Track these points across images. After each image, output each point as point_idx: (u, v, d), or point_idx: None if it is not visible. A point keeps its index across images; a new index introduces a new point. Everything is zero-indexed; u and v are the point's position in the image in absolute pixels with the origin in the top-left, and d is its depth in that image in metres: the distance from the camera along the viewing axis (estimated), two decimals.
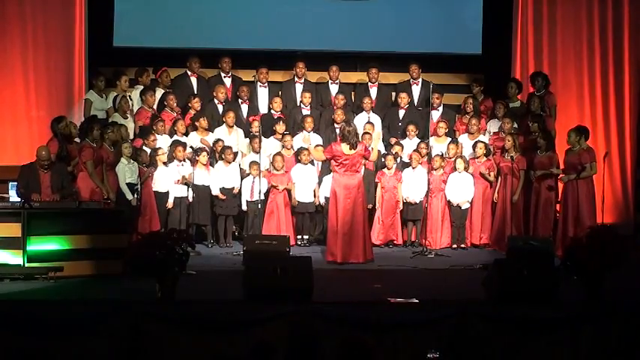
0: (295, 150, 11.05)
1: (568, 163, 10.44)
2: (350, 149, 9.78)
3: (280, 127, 11.12)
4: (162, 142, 10.79)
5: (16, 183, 9.43)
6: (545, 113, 11.25)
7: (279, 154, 10.90)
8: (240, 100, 11.54)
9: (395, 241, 10.94)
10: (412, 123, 11.37)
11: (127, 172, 10.15)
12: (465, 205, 10.96)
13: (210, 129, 11.12)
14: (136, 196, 9.95)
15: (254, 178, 10.61)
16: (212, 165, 10.85)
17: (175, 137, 10.89)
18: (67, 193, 9.40)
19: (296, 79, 11.85)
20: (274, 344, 5.81)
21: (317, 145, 10.92)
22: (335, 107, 11.40)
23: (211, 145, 10.96)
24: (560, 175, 10.57)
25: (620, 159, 12.24)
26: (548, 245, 9.56)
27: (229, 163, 10.79)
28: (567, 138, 10.48)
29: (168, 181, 10.54)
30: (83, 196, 9.57)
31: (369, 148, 10.08)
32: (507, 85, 11.66)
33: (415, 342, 6.99)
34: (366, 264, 9.71)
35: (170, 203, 10.54)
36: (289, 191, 10.88)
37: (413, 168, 10.98)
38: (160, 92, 11.44)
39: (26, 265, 8.55)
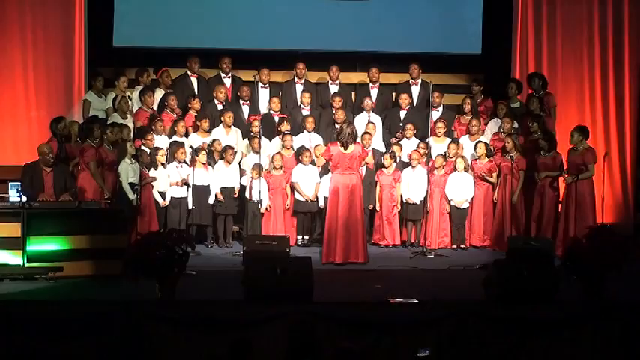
0: (295, 150, 11.06)
1: (571, 164, 10.44)
2: (341, 147, 9.78)
3: (285, 127, 11.11)
4: (161, 142, 10.79)
5: (17, 183, 9.41)
6: (544, 114, 11.25)
7: (278, 153, 10.90)
8: (241, 101, 11.54)
9: (393, 243, 10.90)
10: (410, 123, 11.37)
11: (129, 172, 10.16)
12: (464, 205, 10.96)
13: (210, 130, 11.12)
14: (136, 196, 9.95)
15: (252, 178, 10.60)
16: (210, 165, 10.84)
17: (175, 138, 10.90)
18: (73, 193, 9.41)
19: (296, 79, 11.85)
20: (250, 341, 5.82)
21: (317, 145, 10.97)
22: (335, 108, 11.40)
23: (208, 145, 10.94)
24: (565, 176, 10.54)
25: (620, 159, 12.24)
26: (548, 245, 9.57)
27: (230, 163, 10.79)
28: (570, 138, 10.48)
29: (167, 182, 10.54)
30: (87, 196, 9.59)
31: (367, 149, 10.13)
32: (507, 85, 11.66)
33: (415, 342, 6.98)
34: (364, 264, 9.71)
35: (166, 202, 10.53)
36: (291, 190, 10.89)
37: (413, 168, 10.98)
38: (159, 92, 11.44)
39: (26, 265, 8.56)
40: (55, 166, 9.50)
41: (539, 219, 10.62)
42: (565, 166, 10.58)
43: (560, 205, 10.71)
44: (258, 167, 10.52)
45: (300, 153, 10.95)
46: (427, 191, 10.69)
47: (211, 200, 10.74)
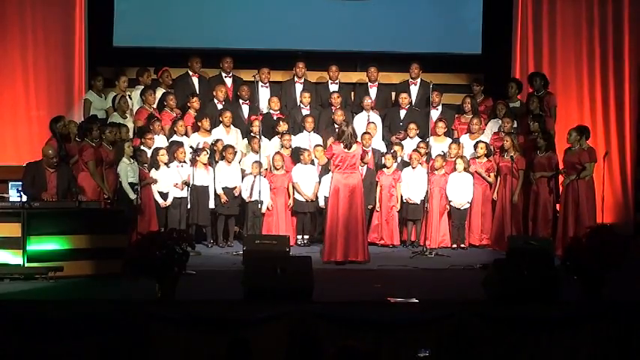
0: (293, 149, 11.05)
1: (567, 163, 10.46)
2: (344, 148, 9.79)
3: (282, 127, 11.12)
4: (160, 141, 10.79)
5: (18, 183, 9.39)
6: (544, 113, 11.26)
7: (278, 153, 10.90)
8: (241, 100, 11.55)
9: (391, 243, 10.91)
10: (413, 122, 11.38)
11: (129, 171, 10.17)
12: (465, 206, 10.97)
13: (210, 129, 11.12)
14: (137, 195, 9.95)
15: (254, 177, 10.60)
16: (211, 165, 10.84)
17: (175, 137, 10.90)
18: (74, 193, 9.39)
19: (296, 79, 11.86)
20: (249, 341, 5.82)
21: (317, 145, 10.99)
22: (334, 108, 11.40)
23: (210, 145, 10.94)
24: (561, 177, 10.56)
25: (620, 159, 12.24)
26: (548, 245, 9.57)
27: (230, 162, 10.79)
28: (567, 137, 10.50)
29: (169, 181, 10.55)
30: (86, 195, 9.57)
31: (367, 149, 10.17)
32: (507, 85, 11.67)
33: (415, 342, 6.98)
34: (364, 264, 9.71)
35: (166, 203, 10.53)
36: (293, 190, 10.90)
37: (413, 168, 10.99)
38: (161, 92, 11.44)
39: (26, 265, 8.54)
40: (59, 168, 9.47)
41: (534, 219, 10.64)
42: (561, 166, 10.60)
43: (558, 205, 10.72)
44: (258, 166, 10.51)
45: (297, 152, 10.95)
46: (427, 191, 10.70)
47: (212, 203, 10.72)
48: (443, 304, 7.52)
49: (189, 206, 10.62)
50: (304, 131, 11.30)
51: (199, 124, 11.09)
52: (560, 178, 10.69)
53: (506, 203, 10.76)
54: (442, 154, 11.04)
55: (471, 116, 11.42)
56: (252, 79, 11.31)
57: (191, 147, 10.72)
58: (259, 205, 10.42)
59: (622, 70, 12.30)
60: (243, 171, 10.93)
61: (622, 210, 12.15)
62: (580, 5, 12.34)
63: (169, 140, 10.95)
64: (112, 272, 8.43)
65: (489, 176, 10.98)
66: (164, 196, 10.53)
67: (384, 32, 12.30)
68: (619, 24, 12.31)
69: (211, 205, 10.76)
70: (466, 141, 11.32)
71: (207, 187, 10.71)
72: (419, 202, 10.91)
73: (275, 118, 11.40)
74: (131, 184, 10.12)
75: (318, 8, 12.22)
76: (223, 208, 10.80)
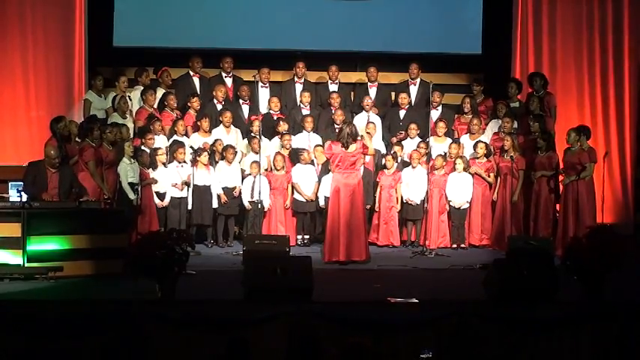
0: (292, 150, 11.04)
1: (567, 163, 10.47)
2: (342, 147, 9.78)
3: (282, 127, 11.12)
4: (160, 141, 10.79)
5: (18, 183, 9.39)
6: (545, 113, 11.26)
7: (279, 153, 10.90)
8: (241, 101, 11.55)
9: (391, 243, 10.91)
10: (413, 122, 11.37)
11: (129, 171, 10.17)
12: (464, 206, 10.97)
13: (210, 129, 11.12)
14: (137, 195, 9.95)
15: (254, 177, 10.60)
16: (211, 165, 10.84)
17: (175, 137, 10.90)
18: (76, 193, 9.38)
19: (296, 79, 11.85)
20: (248, 341, 5.82)
21: (317, 145, 10.98)
22: (333, 108, 11.40)
23: (210, 145, 10.94)
24: (561, 176, 10.57)
25: (620, 159, 12.25)
26: (548, 245, 9.57)
27: (230, 162, 10.79)
28: (567, 137, 10.50)
29: (167, 182, 10.55)
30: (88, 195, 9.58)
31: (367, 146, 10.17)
32: (507, 85, 11.67)
33: (415, 342, 6.98)
34: (365, 264, 9.71)
35: (165, 202, 10.52)
36: (292, 190, 10.90)
37: (413, 168, 10.99)
38: (161, 92, 11.44)
39: (26, 265, 8.53)
40: (60, 168, 9.46)
41: (535, 219, 10.64)
42: (561, 166, 10.60)
43: (558, 205, 10.72)
44: (257, 165, 10.50)
45: (297, 153, 10.94)
46: (427, 191, 10.69)
47: (215, 203, 10.73)
48: (443, 304, 7.52)
49: (189, 206, 10.63)
50: (304, 131, 11.30)
51: (199, 124, 11.09)
52: (560, 178, 10.70)
53: (507, 203, 10.76)
54: (442, 154, 11.04)
55: (470, 116, 11.42)
56: (252, 79, 11.30)
57: (191, 147, 10.72)
58: (259, 204, 10.41)
59: (622, 70, 12.31)
60: (243, 171, 10.93)
61: (622, 210, 12.15)
62: (580, 5, 12.34)
63: (170, 140, 10.95)
64: (112, 272, 8.44)
65: (489, 176, 10.98)
66: (161, 196, 10.53)
67: (384, 32, 12.30)
68: (619, 24, 12.31)
69: (214, 204, 10.76)
70: (466, 141, 11.32)
71: (210, 186, 10.72)
72: (419, 202, 10.91)
73: (275, 118, 11.40)
74: (131, 184, 10.12)
75: (318, 8, 12.22)
76: (223, 208, 10.80)
